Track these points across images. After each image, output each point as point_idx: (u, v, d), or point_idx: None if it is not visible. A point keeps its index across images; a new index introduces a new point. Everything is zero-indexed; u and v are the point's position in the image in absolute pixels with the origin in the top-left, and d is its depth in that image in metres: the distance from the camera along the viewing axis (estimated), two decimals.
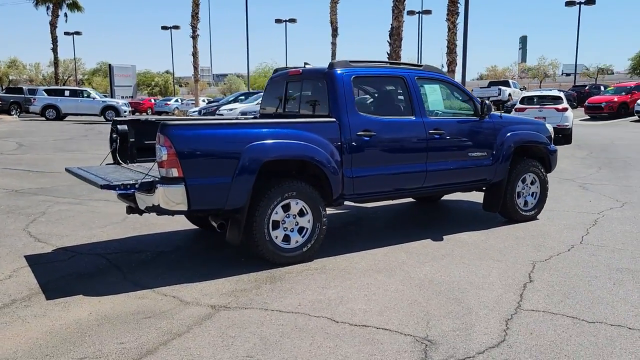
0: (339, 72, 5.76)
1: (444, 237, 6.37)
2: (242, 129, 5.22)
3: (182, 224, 6.89)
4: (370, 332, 3.87)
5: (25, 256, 5.65)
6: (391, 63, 6.27)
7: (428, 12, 47.47)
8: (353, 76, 5.82)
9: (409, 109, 6.11)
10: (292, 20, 49.06)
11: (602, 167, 12.27)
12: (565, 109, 17.16)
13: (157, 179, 4.86)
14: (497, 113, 7.18)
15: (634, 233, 6.52)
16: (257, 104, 21.10)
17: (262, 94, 7.92)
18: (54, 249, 5.94)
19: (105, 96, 35.52)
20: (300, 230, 5.44)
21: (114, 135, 6.14)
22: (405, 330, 3.90)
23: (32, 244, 6.10)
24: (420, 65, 6.56)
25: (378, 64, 6.23)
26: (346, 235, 6.60)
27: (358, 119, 5.70)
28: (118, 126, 6.15)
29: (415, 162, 6.11)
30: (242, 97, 26.76)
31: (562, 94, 18.59)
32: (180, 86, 79.76)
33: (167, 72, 74.69)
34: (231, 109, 21.77)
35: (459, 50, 18.25)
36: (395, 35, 14.62)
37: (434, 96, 6.36)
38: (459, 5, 19.69)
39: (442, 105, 6.51)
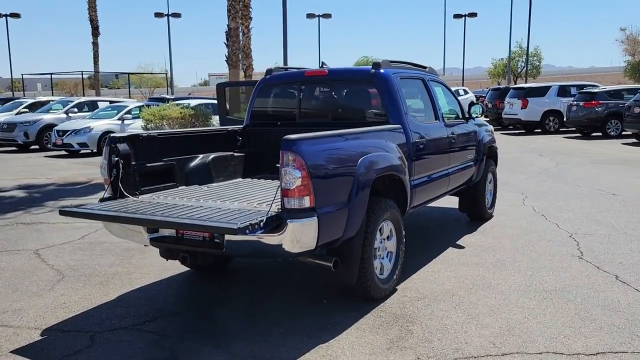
0: (389, 72, 5.14)
1: (457, 243, 6.25)
2: (354, 140, 4.26)
3: (145, 269, 5.34)
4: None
5: None
6: (408, 63, 5.84)
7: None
8: (399, 77, 5.27)
9: (433, 113, 5.83)
10: None
11: None
12: None
13: (275, 214, 3.64)
14: None
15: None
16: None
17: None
18: (40, 337, 3.97)
19: None
20: (389, 255, 4.70)
21: (114, 159, 4.38)
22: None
23: None
24: (425, 67, 6.27)
25: (402, 64, 5.73)
26: None
27: (413, 125, 5.19)
28: (118, 145, 4.41)
29: (443, 168, 5.85)
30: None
31: None
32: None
33: None
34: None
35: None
36: (234, 37, 13.77)
37: (441, 99, 6.15)
38: (250, 10, 19.55)
39: (447, 108, 6.34)
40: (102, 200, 4.40)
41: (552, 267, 5.30)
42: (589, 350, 3.60)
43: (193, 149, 5.15)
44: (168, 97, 22.33)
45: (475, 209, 7.13)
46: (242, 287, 5.03)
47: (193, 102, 16.41)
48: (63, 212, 4.07)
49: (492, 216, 7.50)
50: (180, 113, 12.63)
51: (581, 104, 20.10)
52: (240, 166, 5.52)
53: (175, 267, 5.44)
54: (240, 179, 5.45)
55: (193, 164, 5.10)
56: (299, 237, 3.62)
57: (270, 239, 3.62)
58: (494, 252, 5.87)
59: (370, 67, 5.23)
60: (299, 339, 3.85)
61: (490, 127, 7.76)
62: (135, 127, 15.91)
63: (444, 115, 6.06)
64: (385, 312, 4.30)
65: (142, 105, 16.33)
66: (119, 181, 4.39)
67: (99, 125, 17.17)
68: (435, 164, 5.60)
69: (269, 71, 5.87)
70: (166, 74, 41.50)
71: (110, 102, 20.85)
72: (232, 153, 5.48)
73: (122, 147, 4.43)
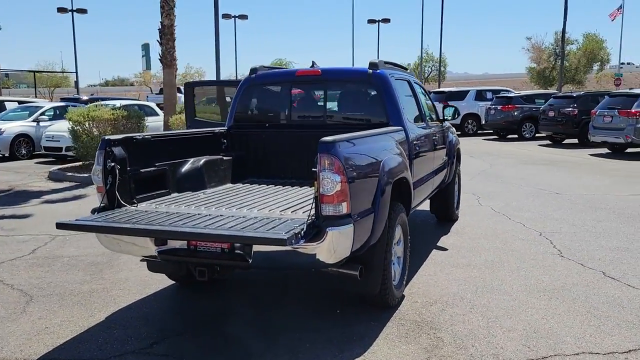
0: (386, 73, 5.02)
1: (439, 245, 6.25)
2: (375, 142, 4.08)
3: (122, 284, 4.89)
4: None
5: None
6: (393, 64, 5.73)
7: None
8: (394, 78, 5.17)
9: (420, 115, 5.79)
10: None
11: None
12: None
13: (312, 221, 3.40)
14: None
15: None
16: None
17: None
18: None
19: None
20: (398, 260, 4.57)
21: (110, 164, 3.91)
22: None
23: None
24: (407, 69, 6.21)
25: (391, 65, 5.62)
26: None
27: (410, 126, 5.11)
28: (114, 149, 3.95)
29: (430, 169, 5.83)
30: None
31: None
32: None
33: None
34: None
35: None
36: (169, 35, 13.04)
37: (422, 101, 6.12)
38: (174, 7, 18.84)
39: (427, 110, 6.32)
40: (96, 210, 3.93)
41: (541, 266, 5.41)
42: (620, 348, 3.66)
43: (181, 153, 4.76)
44: (85, 97, 20.98)
45: (446, 210, 7.19)
46: (239, 300, 4.70)
47: (118, 103, 15.49)
48: (62, 226, 3.57)
49: (458, 217, 7.60)
50: (112, 114, 11.81)
51: (499, 107, 21.15)
52: (229, 170, 5.18)
53: (156, 282, 5.01)
54: (231, 184, 5.12)
55: (185, 169, 4.71)
56: (336, 246, 3.40)
57: (306, 249, 3.37)
58: (477, 252, 5.92)
59: (367, 67, 5.09)
60: (331, 353, 3.63)
61: (454, 129, 7.88)
62: (57, 129, 14.77)
63: (426, 116, 6.05)
64: (405, 320, 4.17)
65: (67, 106, 15.14)
66: (115, 189, 3.94)
67: (11, 127, 15.78)
68: (426, 166, 5.57)
69: (253, 70, 5.55)
70: (75, 73, 38.86)
71: (19, 102, 19.25)
72: (221, 157, 5.13)
73: (117, 151, 3.98)
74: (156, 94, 40.38)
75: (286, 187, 4.92)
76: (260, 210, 3.87)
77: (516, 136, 21.20)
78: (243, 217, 3.69)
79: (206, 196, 4.48)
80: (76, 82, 41.60)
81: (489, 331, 3.94)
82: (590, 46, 41.35)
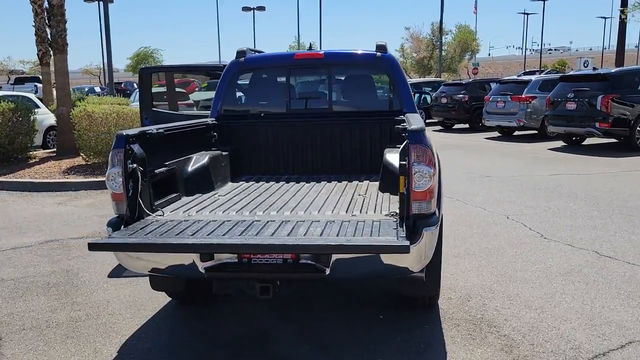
0: (393, 57, 4.71)
1: None
2: None
3: (106, 308, 4.15)
4: None
5: None
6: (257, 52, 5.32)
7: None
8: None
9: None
10: None
11: None
12: None
13: (404, 223, 3.01)
14: None
15: None
16: None
17: None
18: None
19: None
20: None
21: (131, 165, 3.16)
22: None
23: None
24: None
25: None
26: None
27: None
28: (132, 146, 3.19)
29: None
30: None
31: None
32: None
33: None
34: None
35: None
36: (59, 16, 11.36)
37: None
38: None
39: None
40: (112, 224, 3.16)
41: (535, 250, 5.44)
42: None
43: (184, 149, 4.07)
44: None
45: None
46: (266, 317, 4.14)
47: None
48: (95, 247, 2.80)
49: None
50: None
51: None
52: (228, 167, 4.54)
53: (143, 301, 4.30)
54: (232, 183, 4.48)
55: (191, 168, 4.03)
56: (428, 248, 3.03)
57: (395, 254, 2.96)
58: (465, 240, 5.83)
59: (375, 50, 4.71)
60: None
61: None
62: None
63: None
64: (456, 319, 3.91)
65: None
66: (138, 196, 3.20)
67: None
68: None
69: (241, 53, 4.90)
70: None
71: None
72: (220, 152, 4.47)
73: (137, 149, 3.24)
74: (12, 84, 36.19)
75: (300, 183, 4.40)
76: (309, 213, 3.38)
77: None
78: (302, 221, 3.18)
79: (226, 198, 3.86)
80: None
81: (547, 323, 3.81)
82: (463, 37, 44.32)
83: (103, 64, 53.99)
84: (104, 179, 10.83)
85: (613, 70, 13.71)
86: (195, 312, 4.17)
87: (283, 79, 4.88)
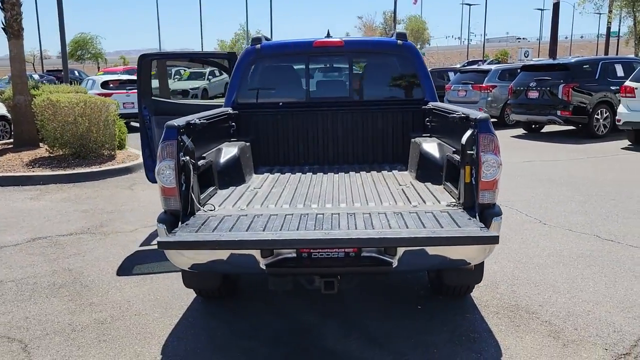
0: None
1: None
2: None
3: (131, 309, 3.96)
4: None
5: None
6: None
7: None
8: None
9: None
10: None
11: None
12: None
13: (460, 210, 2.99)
14: None
15: None
16: None
17: None
18: None
19: None
20: None
21: (184, 158, 2.97)
22: None
23: None
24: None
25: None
26: None
27: None
28: (183, 138, 3.00)
29: None
30: None
31: None
32: None
33: None
34: None
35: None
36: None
37: None
38: None
39: None
40: (164, 221, 2.97)
41: (541, 236, 5.57)
42: None
43: (210, 140, 3.89)
44: None
45: None
46: (303, 309, 4.03)
47: None
48: (165, 245, 2.62)
49: None
50: None
51: None
52: (251, 158, 4.37)
53: (168, 299, 4.12)
54: (255, 175, 4.33)
55: (223, 159, 3.85)
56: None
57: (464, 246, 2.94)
58: None
59: (394, 37, 4.65)
60: (469, 357, 3.26)
61: None
62: None
63: None
64: (493, 307, 3.95)
65: None
66: (190, 190, 3.03)
67: None
68: None
69: (256, 40, 4.72)
70: None
71: None
72: (245, 142, 4.30)
73: (187, 140, 3.06)
74: None
75: (328, 174, 4.30)
76: (378, 205, 3.30)
77: None
78: (369, 213, 3.10)
79: (265, 191, 3.72)
80: None
81: (581, 308, 3.90)
82: (415, 26, 45.01)
83: (41, 51, 51.57)
84: (73, 171, 10.30)
85: (573, 60, 14.21)
86: (226, 308, 4.01)
87: (301, 66, 4.75)
